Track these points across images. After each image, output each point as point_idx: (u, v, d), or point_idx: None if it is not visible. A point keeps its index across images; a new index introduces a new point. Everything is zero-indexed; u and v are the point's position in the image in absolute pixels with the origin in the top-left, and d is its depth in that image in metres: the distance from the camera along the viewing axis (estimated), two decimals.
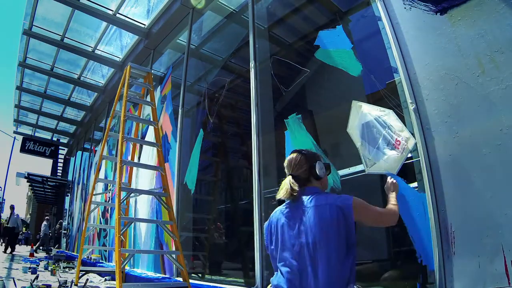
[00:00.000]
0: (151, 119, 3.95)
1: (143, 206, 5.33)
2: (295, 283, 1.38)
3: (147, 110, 5.56)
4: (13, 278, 4.03)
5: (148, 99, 4.20)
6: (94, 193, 4.37)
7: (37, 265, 6.36)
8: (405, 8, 2.24)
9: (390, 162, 2.13)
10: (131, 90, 4.05)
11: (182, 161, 4.43)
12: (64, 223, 13.85)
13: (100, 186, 7.68)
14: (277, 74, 3.16)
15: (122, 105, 3.72)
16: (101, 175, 7.77)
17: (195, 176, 4.11)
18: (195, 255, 4.43)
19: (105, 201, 7.07)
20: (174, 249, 3.76)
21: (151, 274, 4.50)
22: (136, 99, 4.19)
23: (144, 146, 5.51)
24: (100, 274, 5.03)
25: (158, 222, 3.44)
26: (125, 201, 5.37)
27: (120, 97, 3.96)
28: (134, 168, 5.56)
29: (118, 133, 3.56)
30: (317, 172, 1.54)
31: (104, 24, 6.27)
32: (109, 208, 6.56)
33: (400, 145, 2.10)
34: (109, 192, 6.68)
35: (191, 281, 3.42)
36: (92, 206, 4.51)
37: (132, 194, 5.36)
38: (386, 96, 2.29)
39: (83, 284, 3.78)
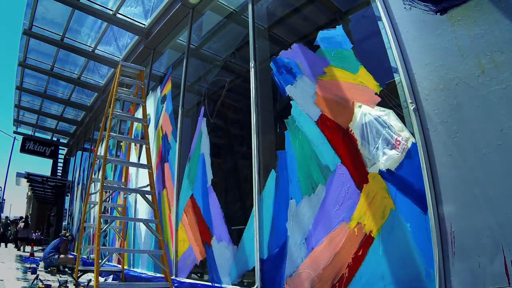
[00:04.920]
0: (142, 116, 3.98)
1: (143, 206, 5.33)
2: None
3: (148, 109, 5.56)
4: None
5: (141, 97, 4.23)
6: (93, 192, 4.37)
7: (37, 265, 6.36)
8: (405, 8, 2.24)
9: (390, 162, 2.13)
10: (130, 90, 4.07)
11: (182, 161, 4.43)
12: (64, 223, 13.85)
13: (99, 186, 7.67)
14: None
15: (111, 102, 3.74)
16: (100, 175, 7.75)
17: (195, 177, 4.11)
18: None
19: (104, 200, 7.05)
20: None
21: (151, 274, 4.49)
22: (127, 97, 4.22)
23: (145, 146, 5.51)
24: (100, 274, 5.02)
25: (143, 220, 3.45)
26: (117, 201, 5.36)
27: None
28: (133, 169, 5.57)
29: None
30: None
31: (104, 24, 6.27)
32: (109, 208, 6.56)
33: (400, 145, 2.11)
34: (108, 192, 6.68)
35: (190, 281, 3.42)
36: (89, 206, 4.52)
37: (127, 193, 5.36)
38: (386, 96, 2.29)
39: (85, 284, 3.78)
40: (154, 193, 3.52)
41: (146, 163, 3.81)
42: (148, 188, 3.64)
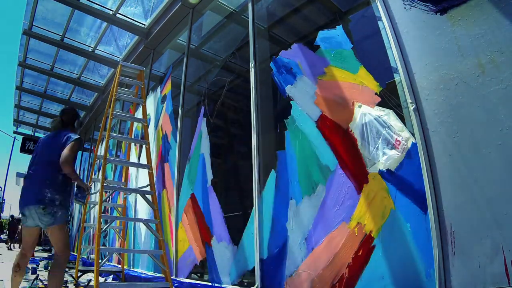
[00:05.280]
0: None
1: (143, 206, 5.33)
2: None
3: (148, 109, 5.56)
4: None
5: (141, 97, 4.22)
6: (93, 192, 4.36)
7: (37, 265, 6.36)
8: (405, 8, 2.24)
9: (390, 162, 2.13)
10: (130, 90, 4.07)
11: (182, 161, 4.43)
12: None
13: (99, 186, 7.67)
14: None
15: (111, 102, 3.74)
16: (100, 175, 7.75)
17: (195, 177, 4.11)
18: None
19: (104, 201, 7.05)
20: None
21: (151, 274, 4.50)
22: (127, 97, 4.22)
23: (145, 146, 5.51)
24: (100, 274, 5.03)
25: (143, 220, 3.44)
26: (117, 201, 5.36)
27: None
28: (133, 169, 5.58)
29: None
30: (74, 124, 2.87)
31: (104, 24, 6.27)
32: (109, 208, 6.56)
33: (400, 145, 2.11)
34: (108, 192, 6.68)
35: (190, 281, 3.42)
36: (89, 206, 4.52)
37: (127, 193, 5.36)
38: (386, 96, 2.29)
39: (85, 284, 3.78)
40: (154, 193, 3.52)
41: (146, 163, 3.81)
42: (148, 188, 3.63)
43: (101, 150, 6.55)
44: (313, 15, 3.87)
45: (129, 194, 5.33)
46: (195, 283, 3.48)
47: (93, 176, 5.20)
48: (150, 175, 3.65)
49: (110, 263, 5.80)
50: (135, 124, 5.43)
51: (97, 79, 8.59)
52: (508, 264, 1.56)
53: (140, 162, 5.40)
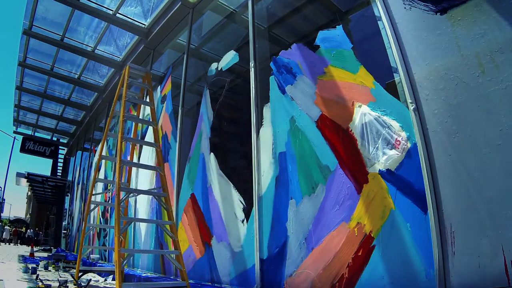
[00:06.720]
0: (151, 120, 3.95)
1: (142, 206, 5.34)
2: None
3: (147, 110, 5.56)
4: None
5: (147, 99, 4.19)
6: (93, 193, 4.35)
7: (37, 265, 6.36)
8: (405, 8, 2.24)
9: (390, 162, 2.13)
10: (131, 90, 4.05)
11: (182, 161, 4.43)
12: (64, 223, 13.88)
13: (100, 186, 7.69)
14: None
15: (122, 105, 3.73)
16: (101, 175, 7.77)
17: (195, 177, 4.11)
18: None
19: (105, 201, 7.07)
20: (173, 249, 3.76)
21: (150, 274, 4.50)
22: (135, 99, 4.19)
23: (144, 146, 5.51)
24: (100, 274, 5.03)
25: (158, 222, 3.43)
26: (123, 201, 5.35)
27: (119, 97, 3.96)
28: (134, 168, 5.57)
29: (118, 133, 3.57)
30: None
31: (104, 24, 6.27)
32: (109, 208, 6.56)
33: (400, 145, 2.11)
34: (109, 192, 6.68)
35: (190, 281, 3.42)
36: (92, 206, 4.50)
37: (132, 194, 5.36)
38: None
39: (85, 284, 3.78)
40: (168, 195, 3.53)
41: (155, 165, 3.78)
42: (153, 191, 3.62)
43: (106, 151, 6.53)
44: (313, 15, 3.86)
45: (137, 195, 5.32)
46: (195, 283, 3.49)
47: (96, 176, 5.19)
48: (162, 177, 3.63)
49: (111, 263, 5.80)
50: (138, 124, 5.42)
51: (97, 79, 8.59)
52: (508, 264, 1.56)
53: (140, 162, 5.39)
